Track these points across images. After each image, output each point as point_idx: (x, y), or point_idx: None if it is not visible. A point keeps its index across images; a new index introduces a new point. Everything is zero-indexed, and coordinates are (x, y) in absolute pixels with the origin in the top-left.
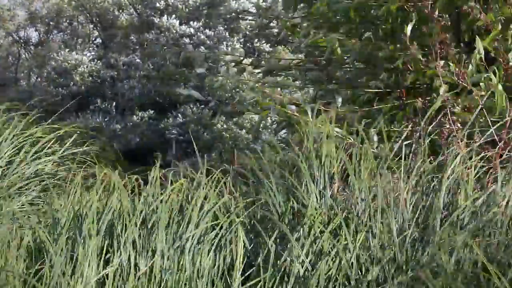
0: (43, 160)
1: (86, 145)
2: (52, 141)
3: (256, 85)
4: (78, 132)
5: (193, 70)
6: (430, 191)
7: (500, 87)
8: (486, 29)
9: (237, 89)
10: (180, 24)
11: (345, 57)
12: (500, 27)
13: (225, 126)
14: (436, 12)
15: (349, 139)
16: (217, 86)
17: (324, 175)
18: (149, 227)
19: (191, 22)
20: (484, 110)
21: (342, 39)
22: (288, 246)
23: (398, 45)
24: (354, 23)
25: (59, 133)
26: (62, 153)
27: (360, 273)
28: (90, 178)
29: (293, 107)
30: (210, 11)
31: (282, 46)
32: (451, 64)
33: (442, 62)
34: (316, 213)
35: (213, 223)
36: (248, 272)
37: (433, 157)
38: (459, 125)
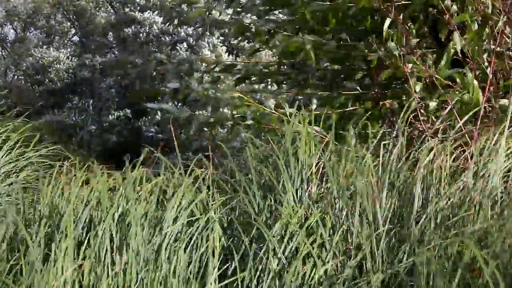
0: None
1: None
2: (23, 140)
3: (232, 94)
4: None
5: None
6: (406, 188)
7: (475, 83)
8: (462, 29)
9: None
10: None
11: (321, 59)
12: (476, 27)
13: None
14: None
15: (326, 137)
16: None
17: (301, 173)
18: (126, 223)
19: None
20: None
21: (316, 40)
22: (265, 244)
23: (373, 46)
24: (331, 25)
25: (34, 133)
26: (37, 152)
27: (336, 271)
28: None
29: (271, 104)
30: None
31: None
32: (420, 61)
33: (417, 58)
34: (293, 212)
35: (189, 218)
36: (224, 268)
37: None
38: (433, 118)
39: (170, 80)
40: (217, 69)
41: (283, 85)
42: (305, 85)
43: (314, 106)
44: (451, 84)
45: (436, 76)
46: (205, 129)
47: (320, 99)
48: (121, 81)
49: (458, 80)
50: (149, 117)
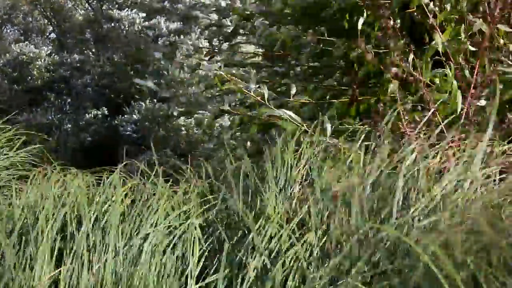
0: None
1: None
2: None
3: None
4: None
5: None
6: (387, 188)
7: (455, 83)
8: (440, 29)
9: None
10: (145, 19)
11: (300, 54)
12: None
13: (180, 123)
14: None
15: (304, 126)
16: (175, 76)
17: (286, 173)
18: (101, 226)
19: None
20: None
21: (293, 32)
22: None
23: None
24: (311, 19)
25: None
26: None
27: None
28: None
29: (253, 86)
30: (169, 6)
31: (240, 38)
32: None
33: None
34: (275, 213)
35: (169, 217)
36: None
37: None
38: (417, 119)
39: (148, 75)
40: (197, 56)
41: (263, 74)
42: (284, 78)
43: (293, 90)
44: (430, 84)
45: (414, 73)
46: (182, 128)
47: (298, 91)
48: (98, 80)
49: (437, 81)
50: (126, 116)
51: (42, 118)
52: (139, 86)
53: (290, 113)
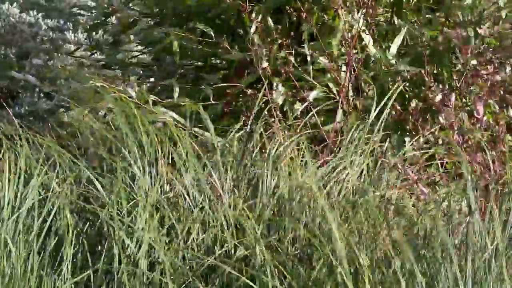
0: None
1: None
2: None
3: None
4: None
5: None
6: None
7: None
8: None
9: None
10: (21, 12)
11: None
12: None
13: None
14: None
15: (183, 124)
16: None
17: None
18: None
19: (31, 12)
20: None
21: (177, 33)
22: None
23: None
24: (195, 20)
25: None
26: None
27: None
28: None
29: (133, 93)
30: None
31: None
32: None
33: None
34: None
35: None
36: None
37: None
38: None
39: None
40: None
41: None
42: (167, 78)
43: (176, 95)
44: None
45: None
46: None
47: (182, 92)
48: None
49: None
50: (12, 110)
51: None
52: (24, 81)
53: (173, 114)
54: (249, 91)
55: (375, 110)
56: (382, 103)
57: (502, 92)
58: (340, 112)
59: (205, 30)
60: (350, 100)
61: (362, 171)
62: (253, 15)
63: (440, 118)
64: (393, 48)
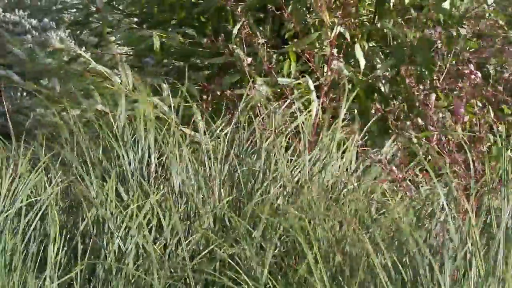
0: None
1: None
2: None
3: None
4: None
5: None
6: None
7: (314, 94)
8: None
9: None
10: (4, 11)
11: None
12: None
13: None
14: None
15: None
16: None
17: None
18: None
19: (16, 10)
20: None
21: (160, 33)
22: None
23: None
24: (178, 19)
25: None
26: None
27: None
28: None
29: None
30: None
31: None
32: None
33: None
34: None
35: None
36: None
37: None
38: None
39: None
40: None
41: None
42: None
43: (166, 93)
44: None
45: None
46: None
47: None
48: None
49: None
50: None
51: None
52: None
53: (159, 101)
54: (229, 92)
55: (345, 107)
56: (349, 101)
57: (483, 92)
58: (316, 106)
59: (186, 31)
60: (329, 98)
61: (347, 169)
62: (238, 9)
63: (419, 119)
64: (362, 62)
